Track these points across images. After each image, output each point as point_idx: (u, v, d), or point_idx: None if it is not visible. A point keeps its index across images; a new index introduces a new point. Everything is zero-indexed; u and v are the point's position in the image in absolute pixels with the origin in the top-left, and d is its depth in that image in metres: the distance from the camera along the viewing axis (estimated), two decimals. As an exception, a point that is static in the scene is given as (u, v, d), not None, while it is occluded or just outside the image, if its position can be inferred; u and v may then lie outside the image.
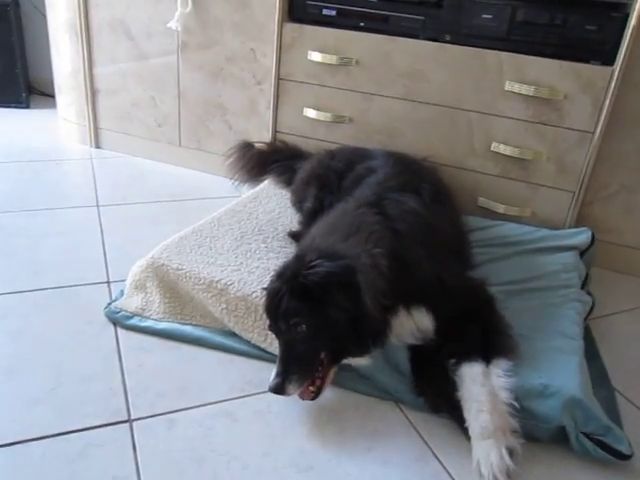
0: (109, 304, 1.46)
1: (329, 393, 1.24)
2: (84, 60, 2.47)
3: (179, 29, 2.22)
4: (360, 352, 1.20)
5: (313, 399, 1.18)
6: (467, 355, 1.20)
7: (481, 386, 1.14)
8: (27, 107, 3.17)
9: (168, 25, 2.20)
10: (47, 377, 1.23)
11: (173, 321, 1.41)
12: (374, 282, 1.15)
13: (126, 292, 1.48)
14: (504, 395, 1.13)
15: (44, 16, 2.78)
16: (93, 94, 2.53)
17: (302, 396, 1.17)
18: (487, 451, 1.07)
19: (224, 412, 1.19)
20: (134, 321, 1.41)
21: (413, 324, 1.26)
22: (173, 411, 1.17)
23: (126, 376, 1.25)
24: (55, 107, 2.85)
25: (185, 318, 1.41)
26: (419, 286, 1.25)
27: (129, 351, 1.33)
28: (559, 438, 1.15)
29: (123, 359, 1.30)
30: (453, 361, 1.22)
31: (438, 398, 1.21)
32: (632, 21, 1.64)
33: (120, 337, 1.37)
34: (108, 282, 1.59)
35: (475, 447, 1.09)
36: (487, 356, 1.20)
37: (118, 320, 1.42)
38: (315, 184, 1.75)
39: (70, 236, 1.83)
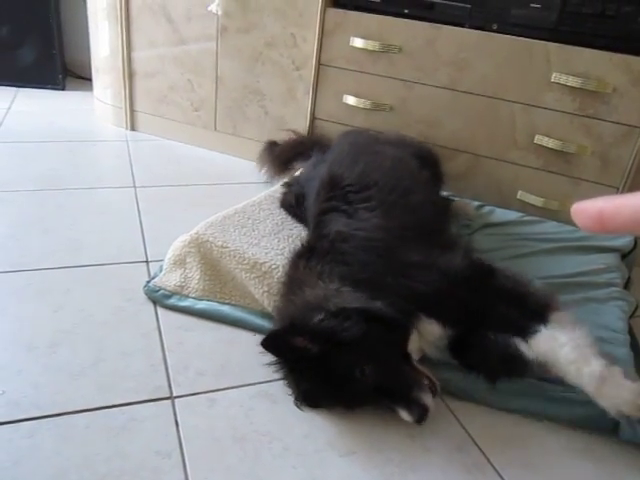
0: (148, 282, 1.46)
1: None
2: (123, 43, 2.48)
3: (219, 13, 2.21)
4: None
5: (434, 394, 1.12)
6: (522, 331, 1.13)
7: (562, 347, 1.07)
8: (63, 89, 3.20)
9: (209, 9, 2.20)
10: (89, 352, 1.23)
11: (212, 300, 1.40)
12: None
13: (165, 268, 1.48)
14: (584, 341, 1.08)
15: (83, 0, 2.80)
16: (130, 77, 2.54)
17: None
18: (614, 394, 1.01)
19: (264, 393, 1.18)
20: (173, 300, 1.41)
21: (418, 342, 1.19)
22: (214, 390, 1.17)
23: (167, 353, 1.25)
24: (90, 90, 2.88)
25: (224, 297, 1.41)
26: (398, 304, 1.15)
27: (169, 329, 1.33)
28: (605, 424, 1.12)
29: (163, 337, 1.30)
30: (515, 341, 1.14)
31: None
32: (689, 13, 1.60)
33: (160, 315, 1.38)
34: (147, 261, 1.60)
35: (600, 399, 1.03)
36: (539, 319, 1.14)
37: (157, 299, 1.42)
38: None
39: (108, 215, 1.84)
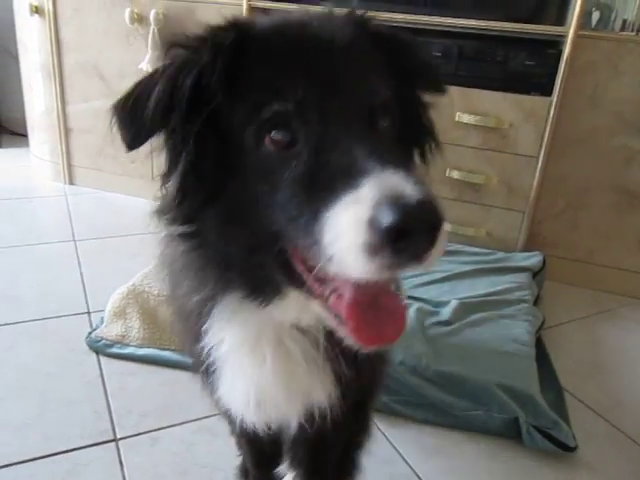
0: (90, 333, 1.53)
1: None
2: (57, 100, 2.56)
3: (150, 70, 2.33)
4: None
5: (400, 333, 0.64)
6: None
7: None
8: (-1, 147, 3.23)
9: (140, 67, 2.32)
10: (34, 403, 1.29)
11: (153, 347, 1.48)
12: None
13: (106, 320, 1.55)
14: None
15: (15, 58, 2.87)
16: (67, 132, 2.61)
17: (389, 322, 0.60)
18: None
19: (205, 428, 1.26)
20: (115, 349, 1.48)
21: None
22: (157, 429, 1.24)
23: (110, 399, 1.32)
24: (26, 146, 2.93)
25: (164, 344, 1.49)
26: None
27: (112, 375, 1.40)
28: (510, 432, 1.26)
29: (106, 383, 1.37)
30: None
31: None
32: (565, 56, 1.82)
33: (103, 363, 1.44)
34: (88, 312, 1.66)
35: None
36: None
37: (99, 349, 1.48)
38: None
39: (49, 270, 1.89)
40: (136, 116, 0.59)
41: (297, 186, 0.54)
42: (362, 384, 0.84)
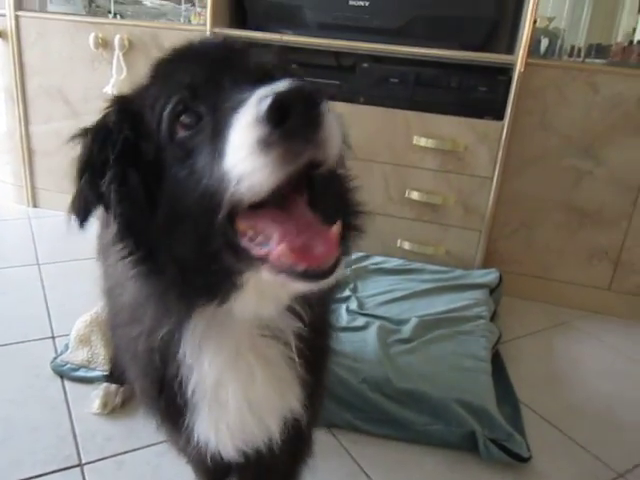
0: (55, 358, 1.53)
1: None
2: (20, 123, 2.56)
3: (115, 93, 2.35)
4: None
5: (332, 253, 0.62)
6: None
7: None
8: (-41, 169, 3.18)
9: (104, 90, 2.34)
10: (-3, 430, 1.29)
11: (119, 370, 1.49)
12: None
13: (71, 346, 1.55)
14: None
15: (-23, 81, 2.85)
16: (30, 155, 2.61)
17: (320, 243, 0.59)
18: None
19: (170, 450, 1.27)
20: (80, 372, 1.49)
21: None
22: (122, 452, 1.26)
23: (75, 423, 1.33)
24: (-11, 168, 2.89)
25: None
26: None
27: (77, 400, 1.40)
28: (468, 445, 1.31)
29: (71, 408, 1.38)
30: None
31: None
32: (515, 83, 1.92)
33: (67, 388, 1.45)
34: (53, 337, 1.66)
35: None
36: None
37: (64, 373, 1.49)
38: None
39: (12, 294, 1.88)
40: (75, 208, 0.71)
41: (212, 149, 0.58)
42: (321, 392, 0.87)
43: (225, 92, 0.60)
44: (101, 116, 0.69)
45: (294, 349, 0.73)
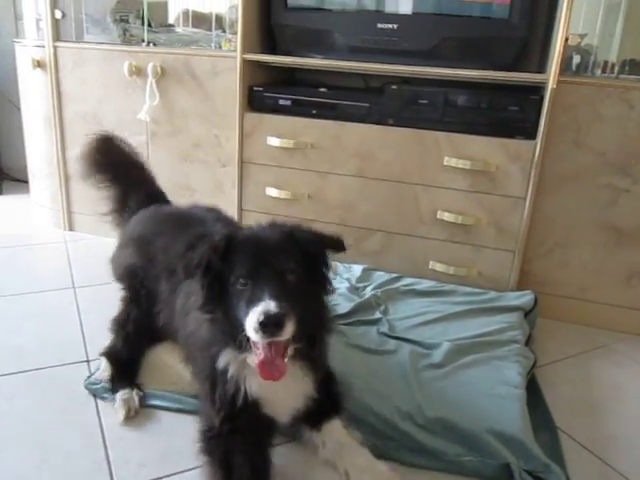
0: (89, 377, 1.56)
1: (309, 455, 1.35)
2: (57, 148, 2.63)
3: (148, 120, 2.41)
4: (316, 333, 1.26)
5: (279, 378, 1.14)
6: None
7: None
8: (0, 193, 3.29)
9: (138, 116, 2.40)
10: (33, 455, 1.30)
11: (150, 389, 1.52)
12: None
13: (102, 366, 1.57)
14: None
15: (17, 108, 2.96)
16: (66, 180, 2.68)
17: (272, 372, 1.13)
18: None
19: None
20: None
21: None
22: (156, 478, 1.26)
23: (109, 449, 1.34)
24: (27, 192, 2.99)
25: (161, 386, 1.53)
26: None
27: (111, 425, 1.42)
28: (504, 476, 1.27)
29: (105, 433, 1.39)
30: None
31: None
32: (547, 101, 1.90)
33: (101, 412, 1.46)
34: (87, 361, 1.68)
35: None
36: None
37: (97, 392, 1.51)
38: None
39: (49, 318, 1.92)
40: (187, 269, 1.22)
41: (245, 302, 1.12)
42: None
43: (260, 280, 1.12)
44: (219, 242, 1.18)
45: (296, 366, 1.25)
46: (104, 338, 1.71)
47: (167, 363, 1.55)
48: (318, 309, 1.24)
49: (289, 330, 1.07)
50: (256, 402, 1.23)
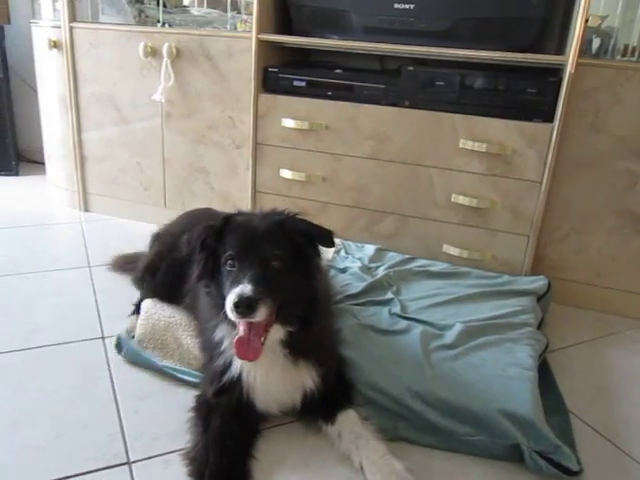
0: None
1: (301, 428, 1.36)
2: (73, 130, 2.65)
3: (163, 101, 2.41)
4: (301, 318, 1.27)
5: (254, 359, 1.20)
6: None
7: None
8: (16, 174, 3.33)
9: (153, 97, 2.40)
10: (49, 427, 1.33)
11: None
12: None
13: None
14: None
15: (34, 90, 2.98)
16: (82, 161, 2.70)
17: (247, 351, 1.20)
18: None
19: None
20: (142, 353, 1.57)
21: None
22: (168, 452, 1.28)
23: (124, 422, 1.36)
24: (43, 173, 3.02)
25: (175, 364, 1.54)
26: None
27: (125, 399, 1.44)
28: (514, 457, 1.28)
29: (120, 407, 1.41)
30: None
31: None
32: (565, 84, 1.87)
33: (116, 388, 1.48)
34: (103, 337, 1.71)
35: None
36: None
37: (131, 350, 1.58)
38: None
39: (64, 296, 1.95)
40: (188, 244, 1.31)
41: (229, 282, 1.20)
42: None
43: (246, 263, 1.19)
44: (216, 223, 1.27)
45: (283, 353, 1.29)
46: (119, 315, 1.73)
47: (182, 342, 1.57)
48: (306, 294, 1.27)
49: (262, 313, 1.14)
50: (244, 382, 1.29)
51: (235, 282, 1.17)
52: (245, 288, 1.14)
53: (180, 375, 1.50)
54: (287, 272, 1.23)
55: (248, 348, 1.19)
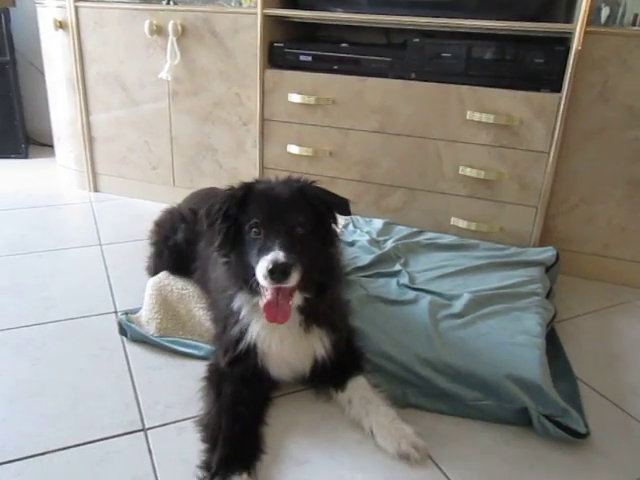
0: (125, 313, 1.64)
1: (312, 396, 1.39)
2: (81, 111, 2.66)
3: (169, 79, 2.42)
4: (318, 284, 1.29)
5: (284, 321, 1.23)
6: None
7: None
8: (26, 157, 3.36)
9: (159, 76, 2.40)
10: (67, 396, 1.36)
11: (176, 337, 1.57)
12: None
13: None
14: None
15: (41, 72, 2.99)
16: (90, 142, 2.71)
17: (276, 314, 1.22)
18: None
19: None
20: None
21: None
22: (182, 419, 1.31)
23: (138, 392, 1.39)
24: (52, 155, 3.04)
25: (186, 335, 1.57)
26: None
27: (139, 370, 1.47)
28: (522, 421, 1.30)
29: (134, 377, 1.44)
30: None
31: None
32: (573, 52, 1.85)
33: (130, 359, 1.52)
34: (115, 312, 1.74)
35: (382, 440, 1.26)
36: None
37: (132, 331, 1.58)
38: None
39: (77, 273, 1.98)
40: (209, 216, 1.29)
41: (257, 250, 1.21)
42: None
43: (272, 230, 1.21)
44: (237, 192, 1.27)
45: (298, 320, 1.32)
46: (130, 291, 1.76)
47: (195, 314, 1.60)
48: (325, 261, 1.31)
49: (295, 278, 1.17)
50: (258, 350, 1.31)
51: (264, 249, 1.18)
52: (278, 255, 1.15)
53: (182, 349, 1.53)
54: (309, 239, 1.25)
55: (277, 311, 1.21)
